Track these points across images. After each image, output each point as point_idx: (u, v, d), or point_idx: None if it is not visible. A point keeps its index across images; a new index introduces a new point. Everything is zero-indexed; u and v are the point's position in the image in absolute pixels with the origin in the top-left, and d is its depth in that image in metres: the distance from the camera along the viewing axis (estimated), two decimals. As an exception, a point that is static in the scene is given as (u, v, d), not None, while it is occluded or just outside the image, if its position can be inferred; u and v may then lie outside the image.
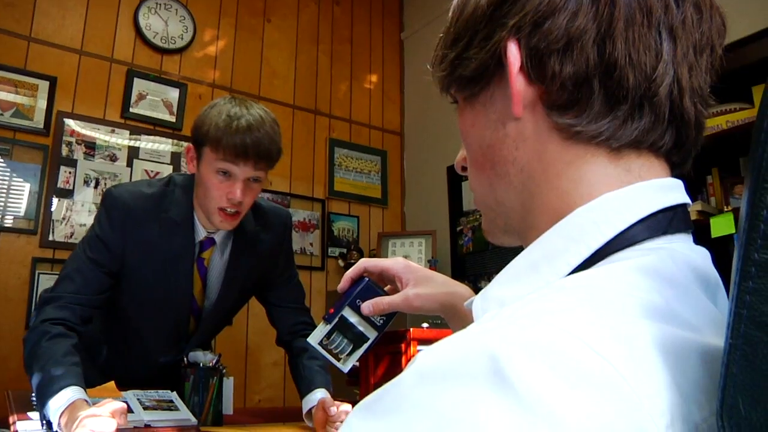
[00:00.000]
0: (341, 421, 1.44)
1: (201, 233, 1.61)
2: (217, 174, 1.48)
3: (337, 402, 1.51)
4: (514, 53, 0.47)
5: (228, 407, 1.62)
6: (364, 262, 0.93)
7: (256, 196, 1.57)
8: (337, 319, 0.91)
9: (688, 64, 0.46)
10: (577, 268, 0.45)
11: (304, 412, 1.59)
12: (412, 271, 0.90)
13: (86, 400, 1.25)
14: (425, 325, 1.66)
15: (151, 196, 1.58)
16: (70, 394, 1.24)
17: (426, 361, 0.36)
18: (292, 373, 1.76)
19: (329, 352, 0.92)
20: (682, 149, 0.49)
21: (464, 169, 0.59)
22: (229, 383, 1.62)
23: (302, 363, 1.69)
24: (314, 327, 1.79)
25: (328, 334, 0.92)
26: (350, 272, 0.93)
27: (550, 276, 0.46)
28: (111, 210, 1.55)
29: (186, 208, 1.58)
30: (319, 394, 1.57)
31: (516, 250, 0.52)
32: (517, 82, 0.47)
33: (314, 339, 0.92)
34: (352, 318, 0.91)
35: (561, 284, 0.42)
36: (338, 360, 0.92)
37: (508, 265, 0.50)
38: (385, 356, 1.66)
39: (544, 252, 0.47)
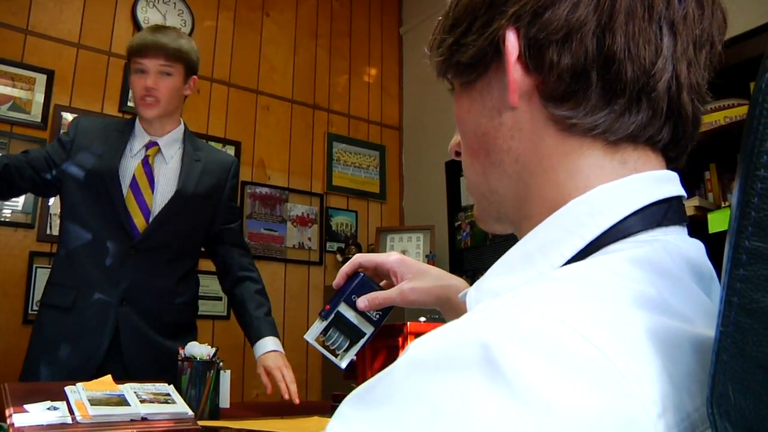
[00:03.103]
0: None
1: (146, 138, 1.91)
2: (135, 73, 1.85)
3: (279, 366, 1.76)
4: (512, 42, 0.46)
5: (225, 401, 1.62)
6: (359, 258, 0.93)
7: (171, 90, 1.87)
8: (333, 316, 0.91)
9: (687, 60, 0.46)
10: (571, 259, 0.45)
11: (256, 356, 1.85)
12: (406, 265, 0.90)
13: None
14: (422, 318, 1.66)
15: (108, 120, 2.04)
16: None
17: (418, 351, 0.36)
18: (238, 321, 1.97)
19: (326, 348, 0.92)
20: (678, 145, 0.49)
21: (458, 154, 0.59)
22: (226, 377, 1.63)
23: (250, 313, 1.91)
24: (257, 272, 2.00)
25: (325, 331, 0.92)
26: (345, 268, 0.93)
27: (544, 267, 0.46)
28: (72, 124, 1.91)
29: (128, 123, 1.94)
30: (269, 343, 1.85)
31: (513, 244, 0.52)
32: (515, 71, 0.47)
33: (311, 336, 0.92)
34: (348, 314, 0.91)
35: (554, 275, 0.42)
36: (335, 356, 0.92)
37: (503, 257, 0.50)
38: (382, 350, 1.66)
39: (539, 243, 0.47)
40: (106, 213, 1.81)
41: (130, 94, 3.24)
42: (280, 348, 1.86)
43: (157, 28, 1.89)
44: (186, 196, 1.89)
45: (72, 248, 1.82)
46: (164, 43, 1.83)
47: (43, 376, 1.71)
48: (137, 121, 1.93)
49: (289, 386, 1.72)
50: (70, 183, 1.84)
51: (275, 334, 1.88)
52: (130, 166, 1.87)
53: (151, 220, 1.84)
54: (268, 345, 1.84)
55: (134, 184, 1.85)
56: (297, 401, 1.69)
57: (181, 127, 1.97)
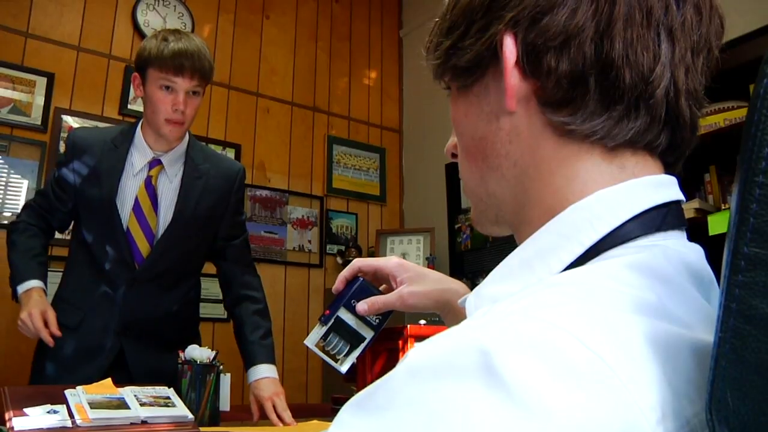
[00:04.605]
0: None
1: (149, 154, 1.80)
2: (161, 89, 1.71)
3: (272, 398, 1.70)
4: (510, 47, 0.46)
5: (225, 404, 1.62)
6: (358, 262, 0.93)
7: (196, 109, 1.78)
8: (332, 321, 0.91)
9: (685, 66, 0.46)
10: (570, 265, 0.45)
11: (249, 382, 1.78)
12: (405, 269, 0.90)
13: (43, 289, 1.71)
14: (422, 321, 1.67)
15: (104, 130, 1.93)
16: (31, 284, 1.70)
17: (417, 357, 0.36)
18: (237, 343, 1.88)
19: (326, 353, 0.92)
20: (676, 150, 0.49)
21: (454, 155, 0.59)
22: (226, 380, 1.63)
23: (246, 337, 1.84)
24: (259, 289, 1.93)
25: (325, 336, 0.92)
26: (344, 273, 0.93)
27: (542, 273, 0.46)
28: (67, 143, 1.84)
29: (127, 133, 1.83)
30: (262, 370, 1.78)
31: (514, 247, 0.52)
32: (512, 76, 0.47)
33: (311, 341, 0.92)
34: (348, 318, 0.91)
35: (553, 281, 0.42)
36: (336, 361, 0.92)
37: (502, 263, 0.50)
38: (383, 353, 1.67)
39: (537, 249, 0.47)
40: (109, 241, 1.76)
41: (131, 97, 3.25)
42: (274, 374, 1.79)
43: (181, 38, 1.73)
44: (185, 219, 1.80)
45: (79, 270, 1.80)
46: (200, 62, 1.72)
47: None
48: (139, 131, 1.81)
49: (281, 414, 1.66)
50: (80, 208, 1.80)
51: (270, 360, 1.81)
52: (132, 186, 1.77)
53: (154, 245, 1.77)
54: (262, 372, 1.78)
55: (137, 208, 1.77)
56: (293, 424, 1.65)
57: (186, 138, 1.86)
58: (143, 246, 1.76)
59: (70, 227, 1.91)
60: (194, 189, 1.81)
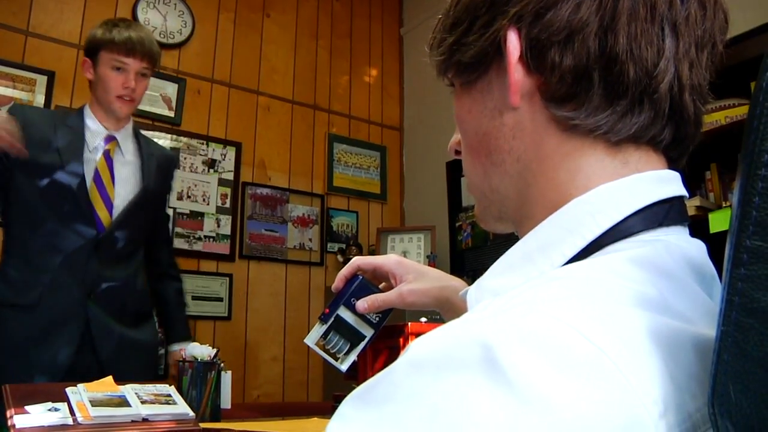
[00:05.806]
0: None
1: (102, 131, 1.91)
2: (112, 70, 1.84)
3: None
4: (513, 43, 0.46)
5: (226, 402, 1.63)
6: (357, 261, 0.93)
7: (145, 90, 1.93)
8: (332, 319, 0.91)
9: (689, 60, 0.46)
10: (572, 258, 0.45)
11: (171, 350, 2.04)
12: (405, 267, 0.90)
13: None
14: (423, 319, 1.66)
15: (45, 110, 2.08)
16: None
17: (419, 350, 0.36)
18: (158, 316, 2.12)
19: (327, 351, 0.92)
20: (680, 145, 0.49)
21: (457, 152, 0.59)
22: (227, 378, 1.63)
23: (172, 315, 2.10)
24: (179, 268, 2.13)
25: (325, 334, 0.92)
26: (344, 271, 0.93)
27: (544, 266, 0.46)
28: (13, 113, 1.81)
29: (77, 116, 1.93)
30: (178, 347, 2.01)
31: (514, 244, 0.52)
32: (516, 71, 0.47)
33: (311, 340, 0.92)
34: (348, 317, 0.91)
35: (555, 274, 0.42)
36: (336, 359, 0.92)
37: (503, 256, 0.50)
38: (383, 351, 1.67)
39: (539, 242, 0.47)
40: (69, 208, 1.80)
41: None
42: None
43: (130, 25, 1.91)
44: (150, 191, 1.96)
45: (30, 245, 1.80)
46: (149, 45, 1.88)
47: (12, 377, 1.59)
48: (88, 112, 1.92)
49: None
50: (23, 178, 1.79)
51: (191, 337, 2.09)
52: (90, 160, 1.87)
53: (115, 214, 1.87)
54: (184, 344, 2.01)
55: (97, 178, 1.87)
56: None
57: (131, 121, 2.00)
58: (103, 215, 1.86)
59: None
60: (152, 165, 1.99)
